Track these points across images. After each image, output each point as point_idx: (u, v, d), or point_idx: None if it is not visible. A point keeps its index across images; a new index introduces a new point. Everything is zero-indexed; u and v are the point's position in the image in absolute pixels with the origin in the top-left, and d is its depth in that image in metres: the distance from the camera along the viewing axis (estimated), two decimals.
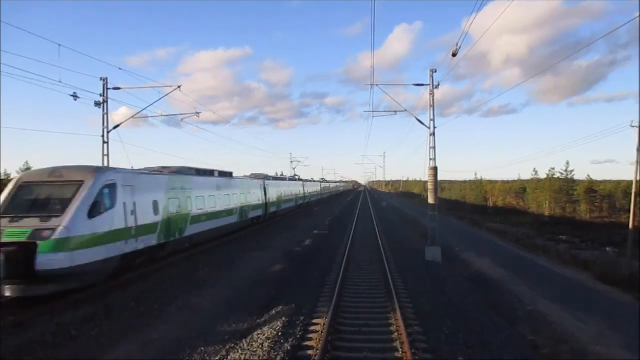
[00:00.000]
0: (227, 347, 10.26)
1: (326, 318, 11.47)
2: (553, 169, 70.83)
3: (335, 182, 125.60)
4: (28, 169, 39.63)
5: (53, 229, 12.59)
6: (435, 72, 23.90)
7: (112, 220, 14.72)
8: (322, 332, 10.53)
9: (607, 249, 40.71)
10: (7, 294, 12.47)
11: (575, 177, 72.03)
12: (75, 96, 22.96)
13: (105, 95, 24.45)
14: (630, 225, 31.68)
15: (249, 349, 9.96)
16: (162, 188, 18.88)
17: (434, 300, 14.76)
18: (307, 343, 10.21)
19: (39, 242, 12.28)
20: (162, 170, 20.71)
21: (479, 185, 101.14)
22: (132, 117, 27.10)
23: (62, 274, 12.64)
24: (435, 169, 23.61)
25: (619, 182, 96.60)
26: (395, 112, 28.50)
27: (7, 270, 11.66)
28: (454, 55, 19.20)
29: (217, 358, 9.69)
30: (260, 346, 10.05)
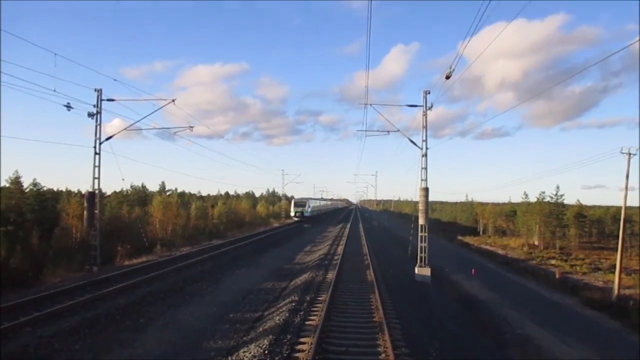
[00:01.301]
0: None
1: (314, 336, 11.36)
2: (543, 192, 71.13)
3: (336, 200, 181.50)
4: (17, 177, 39.31)
5: (305, 209, 76.11)
6: (429, 93, 24.09)
7: (310, 209, 78.55)
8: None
9: (595, 274, 40.88)
10: (296, 218, 74.42)
11: (565, 202, 72.34)
12: (68, 106, 22.87)
13: (99, 106, 24.39)
14: (619, 251, 31.86)
15: None
16: (311, 202, 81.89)
17: (422, 321, 14.70)
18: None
19: (303, 211, 75.27)
20: (308, 198, 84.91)
21: (469, 206, 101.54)
22: (125, 129, 27.07)
23: (306, 217, 75.06)
24: (426, 190, 23.68)
25: (608, 208, 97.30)
26: (388, 131, 28.61)
27: (299, 216, 74.50)
28: (448, 77, 19.40)
29: None
30: None
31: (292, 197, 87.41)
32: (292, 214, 75.60)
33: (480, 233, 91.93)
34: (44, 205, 38.22)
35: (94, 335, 12.00)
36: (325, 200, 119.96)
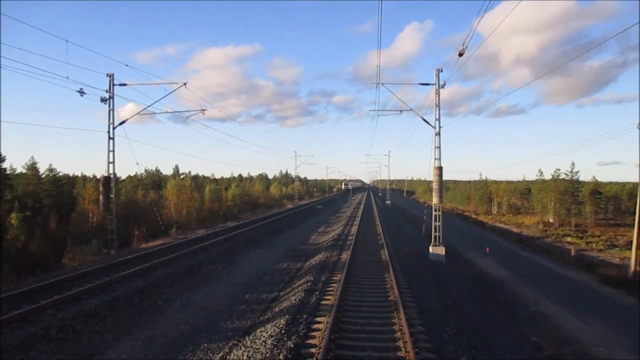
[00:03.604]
0: (230, 344, 10.28)
1: (330, 316, 11.45)
2: (558, 169, 70.35)
3: (355, 181, 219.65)
4: (33, 164, 39.74)
5: (348, 186, 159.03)
6: (442, 71, 23.87)
7: (350, 186, 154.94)
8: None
9: (611, 250, 40.55)
10: (343, 189, 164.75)
11: (581, 179, 71.40)
12: (81, 92, 23.00)
13: (111, 91, 24.49)
14: (635, 228, 31.48)
15: (251, 346, 9.96)
16: (350, 183, 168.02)
17: (437, 300, 14.73)
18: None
19: (347, 187, 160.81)
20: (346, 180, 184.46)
21: (483, 185, 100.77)
22: (138, 113, 27.17)
23: (348, 190, 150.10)
24: (440, 169, 23.55)
25: (624, 184, 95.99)
26: (400, 111, 28.49)
27: (345, 189, 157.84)
28: (461, 55, 19.12)
29: (219, 355, 9.70)
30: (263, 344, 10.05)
31: (344, 180, 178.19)
32: (343, 187, 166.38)
33: (495, 211, 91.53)
34: (60, 191, 38.69)
35: (113, 317, 12.23)
36: (353, 181, 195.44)
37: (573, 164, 68.17)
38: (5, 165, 33.52)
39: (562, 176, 69.05)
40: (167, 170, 71.57)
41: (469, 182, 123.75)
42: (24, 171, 39.85)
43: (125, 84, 25.05)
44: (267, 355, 9.28)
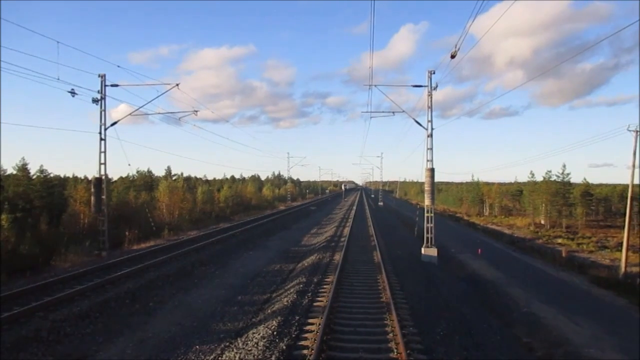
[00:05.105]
0: (222, 345, 10.25)
1: (322, 317, 11.45)
2: (550, 171, 70.85)
3: (349, 182, 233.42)
4: (24, 165, 39.50)
5: (346, 187, 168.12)
6: (434, 73, 23.91)
7: (347, 187, 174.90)
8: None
9: (602, 252, 40.85)
10: (343, 189, 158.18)
11: (572, 180, 71.95)
12: (72, 92, 22.83)
13: (103, 92, 24.34)
14: (626, 229, 31.75)
15: (243, 348, 9.93)
16: (347, 185, 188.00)
17: (429, 301, 14.77)
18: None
19: (344, 188, 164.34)
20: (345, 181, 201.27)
21: (475, 187, 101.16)
22: (130, 114, 27.02)
23: (346, 190, 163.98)
24: (432, 170, 23.61)
25: (615, 186, 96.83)
26: (393, 112, 28.54)
27: (343, 189, 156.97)
28: (453, 56, 19.19)
29: (211, 356, 9.67)
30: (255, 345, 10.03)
31: (343, 182, 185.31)
32: (342, 188, 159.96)
33: (486, 213, 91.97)
34: (51, 192, 38.45)
35: (104, 319, 12.16)
36: (349, 182, 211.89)
37: (564, 166, 68.77)
38: None
39: (554, 178, 69.59)
40: (159, 172, 71.38)
41: (461, 183, 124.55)
42: (14, 172, 39.58)
43: (117, 85, 24.92)
44: (259, 356, 9.27)
